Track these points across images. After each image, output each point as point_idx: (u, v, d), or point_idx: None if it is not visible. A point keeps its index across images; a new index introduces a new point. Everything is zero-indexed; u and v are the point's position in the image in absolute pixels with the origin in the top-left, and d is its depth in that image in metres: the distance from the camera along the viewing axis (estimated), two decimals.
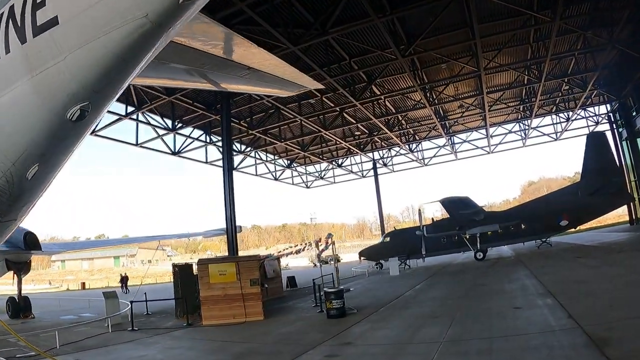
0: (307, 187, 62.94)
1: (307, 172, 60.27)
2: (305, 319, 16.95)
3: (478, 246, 35.90)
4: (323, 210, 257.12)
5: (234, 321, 17.48)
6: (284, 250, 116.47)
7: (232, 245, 27.01)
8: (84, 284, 79.69)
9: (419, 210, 40.04)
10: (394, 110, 38.93)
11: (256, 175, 52.50)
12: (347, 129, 43.35)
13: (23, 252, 25.00)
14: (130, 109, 32.55)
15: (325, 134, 41.39)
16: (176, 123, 36.48)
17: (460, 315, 13.31)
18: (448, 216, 38.53)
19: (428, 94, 34.93)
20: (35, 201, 7.34)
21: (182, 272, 20.39)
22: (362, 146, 48.90)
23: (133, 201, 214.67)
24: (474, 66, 29.89)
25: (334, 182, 62.66)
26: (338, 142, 45.64)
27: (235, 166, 46.68)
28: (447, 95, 37.19)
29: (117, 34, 4.80)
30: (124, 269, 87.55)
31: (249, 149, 46.04)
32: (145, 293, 23.13)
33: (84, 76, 5.23)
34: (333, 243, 20.69)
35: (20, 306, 25.91)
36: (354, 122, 40.20)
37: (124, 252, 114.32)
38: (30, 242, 24.91)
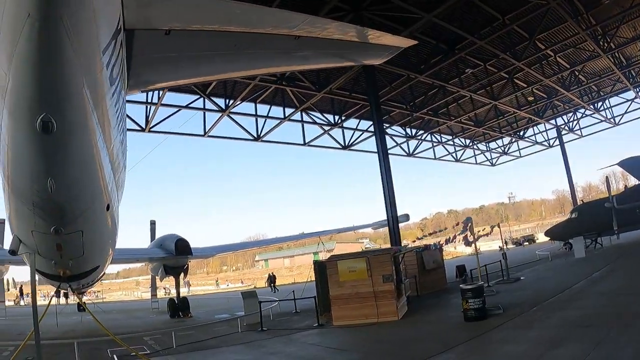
0: (493, 164, 58.38)
1: (490, 149, 55.70)
2: (441, 322, 14.51)
3: None
4: (520, 188, 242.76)
5: (366, 321, 15.81)
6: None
7: (394, 235, 25.21)
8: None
9: (606, 178, 33.78)
10: (567, 66, 33.57)
11: (435, 159, 49.98)
12: (520, 96, 39.00)
13: (175, 257, 26.37)
14: (288, 110, 32.62)
15: (498, 104, 37.53)
16: (342, 117, 36.02)
17: (621, 325, 9.92)
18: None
19: (601, 40, 29.41)
20: None
21: (320, 269, 18.87)
22: (541, 113, 43.49)
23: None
24: None
25: (520, 156, 57.27)
26: (515, 112, 41.31)
27: (412, 152, 45.99)
28: (623, 38, 30.97)
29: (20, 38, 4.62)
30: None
31: (420, 132, 43.79)
32: (293, 291, 23.05)
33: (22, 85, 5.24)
34: (471, 228, 17.60)
35: (178, 306, 27.33)
36: (526, 86, 35.61)
37: (324, 248, 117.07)
38: (181, 248, 26.27)
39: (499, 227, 23.78)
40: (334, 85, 29.61)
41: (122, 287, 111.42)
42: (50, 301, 16.05)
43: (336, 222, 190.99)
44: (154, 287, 33.76)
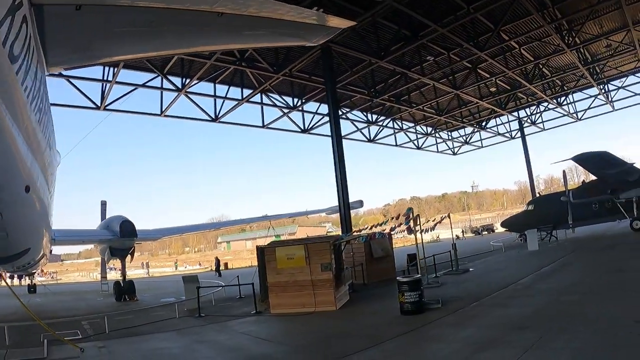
0: (454, 153, 58.04)
1: (452, 138, 55.41)
2: (378, 314, 13.81)
3: (635, 213, 29.46)
4: (484, 178, 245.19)
5: (304, 310, 15.30)
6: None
7: (345, 221, 24.58)
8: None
9: (563, 172, 33.50)
10: (532, 59, 33.17)
11: (396, 145, 49.55)
12: (483, 87, 38.80)
13: (120, 239, 25.94)
14: (248, 92, 31.82)
15: (460, 94, 37.11)
16: (302, 100, 35.52)
17: (559, 326, 9.29)
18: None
19: (566, 35, 29.00)
20: None
21: (262, 254, 18.02)
22: (503, 105, 43.17)
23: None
24: None
25: (482, 147, 57.11)
26: (477, 103, 40.90)
27: (373, 137, 45.50)
28: (589, 34, 30.72)
29: None
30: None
31: (382, 118, 43.25)
32: (237, 276, 22.66)
33: None
34: (413, 218, 16.94)
35: (123, 289, 26.76)
36: (489, 76, 35.14)
37: (286, 231, 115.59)
38: (126, 230, 25.95)
39: (448, 217, 23.19)
40: (293, 68, 28.95)
41: (80, 268, 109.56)
42: None
43: (296, 206, 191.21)
44: (103, 269, 33.00)
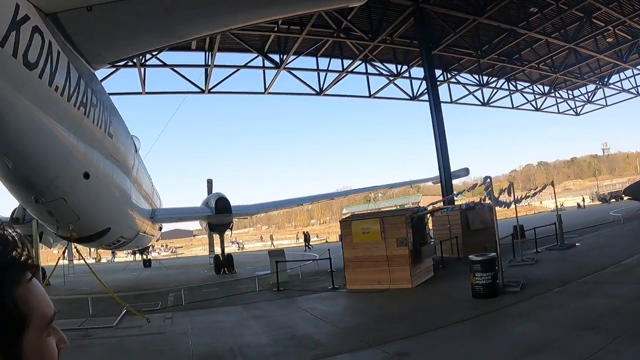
0: (577, 113, 53.79)
1: (573, 97, 51.25)
2: (450, 296, 12.80)
3: None
4: (616, 139, 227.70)
5: (379, 287, 14.65)
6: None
7: (446, 190, 23.60)
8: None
9: None
10: None
11: (512, 108, 47.04)
12: (601, 39, 34.98)
13: (216, 215, 26.67)
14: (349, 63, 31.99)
15: (576, 48, 33.86)
16: (407, 67, 34.72)
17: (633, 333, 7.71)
18: None
19: None
20: None
21: (344, 228, 17.48)
22: (625, 57, 38.87)
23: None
24: None
25: (606, 105, 52.16)
26: (596, 56, 37.12)
27: (487, 101, 43.47)
28: None
29: None
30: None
31: (493, 80, 41.10)
32: (329, 249, 21.59)
33: None
34: (507, 189, 15.55)
35: (222, 262, 27.93)
36: (604, 25, 31.68)
37: (409, 200, 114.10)
38: (221, 206, 26.61)
39: (552, 185, 21.12)
40: (393, 33, 28.20)
41: (204, 242, 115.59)
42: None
43: (408, 174, 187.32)
44: (211, 244, 33.96)
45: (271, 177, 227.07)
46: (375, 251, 15.07)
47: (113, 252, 57.82)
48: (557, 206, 23.93)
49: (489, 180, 13.87)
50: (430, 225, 21.51)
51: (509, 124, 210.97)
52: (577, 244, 20.30)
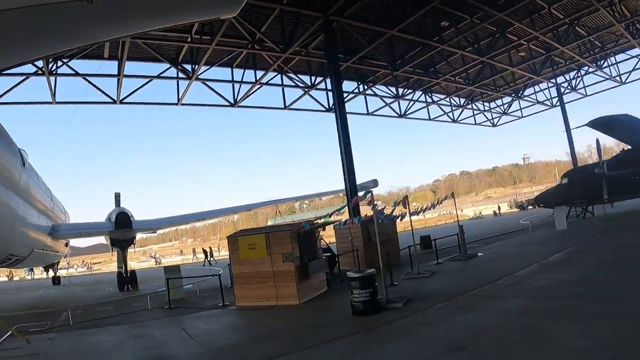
0: (494, 125, 54.84)
1: (490, 109, 52.39)
2: (336, 312, 11.96)
3: None
4: (535, 149, 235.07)
5: (267, 303, 14.12)
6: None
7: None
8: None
9: (597, 140, 29.99)
10: (561, 16, 30.19)
11: (429, 119, 47.27)
12: (515, 53, 35.98)
13: (117, 231, 26.08)
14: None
15: (490, 61, 34.42)
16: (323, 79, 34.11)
17: (505, 351, 7.21)
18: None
19: None
20: None
21: (231, 244, 16.51)
22: (538, 71, 39.94)
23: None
24: None
25: (522, 117, 53.78)
26: (510, 70, 37.92)
27: (403, 112, 43.38)
28: None
29: None
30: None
31: (409, 92, 41.04)
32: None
33: None
34: (402, 201, 15.16)
35: (125, 279, 27.24)
36: (516, 39, 32.35)
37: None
38: (121, 221, 25.97)
39: (453, 197, 20.94)
40: (307, 45, 27.74)
41: (131, 257, 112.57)
42: None
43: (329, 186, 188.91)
44: (119, 260, 32.44)
45: (195, 190, 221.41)
46: (262, 267, 14.43)
47: (30, 270, 56.07)
48: (457, 217, 23.89)
49: (370, 193, 13.22)
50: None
51: (431, 135, 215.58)
52: (479, 254, 20.31)
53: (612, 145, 51.83)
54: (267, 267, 14.25)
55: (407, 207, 15.73)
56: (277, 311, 13.33)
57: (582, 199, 30.87)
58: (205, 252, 51.68)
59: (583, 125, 27.75)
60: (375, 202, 13.22)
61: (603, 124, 24.89)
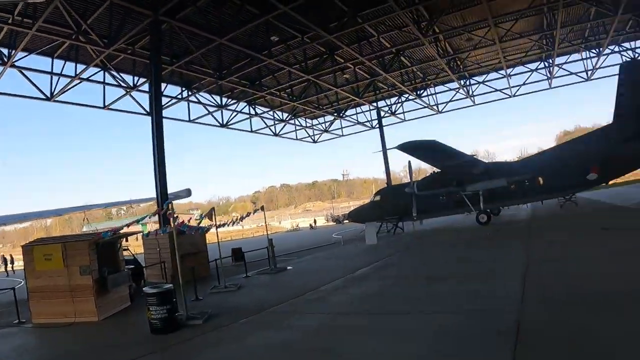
0: (314, 141, 57.15)
1: (312, 125, 54.73)
2: (135, 330, 11.52)
3: (481, 206, 29.33)
4: (356, 166, 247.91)
5: (64, 321, 13.10)
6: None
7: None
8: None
9: (409, 163, 32.65)
10: (388, 45, 32.45)
11: (251, 131, 47.60)
12: (343, 75, 38.07)
13: None
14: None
15: (313, 79, 35.96)
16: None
17: None
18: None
19: (425, 27, 28.61)
20: None
21: (26, 254, 15.13)
22: (361, 94, 42.38)
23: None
24: None
25: (342, 135, 56.59)
26: (335, 90, 39.88)
27: (225, 122, 43.14)
28: (447, 26, 30.59)
29: None
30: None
31: (233, 102, 41.52)
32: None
33: None
34: (207, 214, 15.16)
35: None
36: (343, 61, 34.10)
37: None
38: None
39: (263, 210, 21.35)
40: (134, 43, 26.89)
41: None
42: None
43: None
44: None
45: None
46: (59, 280, 13.41)
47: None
48: (267, 230, 24.34)
49: (169, 203, 12.94)
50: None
51: (255, 147, 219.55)
52: (288, 268, 20.72)
53: (427, 167, 56.20)
54: (64, 280, 13.28)
55: (214, 219, 15.72)
56: (75, 329, 12.45)
57: (393, 215, 33.09)
58: (5, 259, 46.97)
59: (393, 148, 29.81)
60: (175, 214, 12.78)
61: (411, 148, 26.80)
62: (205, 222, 17.10)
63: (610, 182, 33.65)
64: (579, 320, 7.46)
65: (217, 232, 17.17)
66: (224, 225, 18.75)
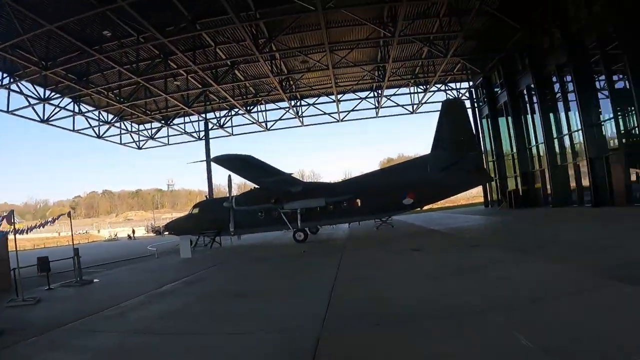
0: (139, 147, 55.16)
1: (138, 131, 53.05)
2: None
3: (299, 224, 30.00)
4: (181, 176, 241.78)
5: None
6: None
7: None
8: None
9: (229, 177, 32.72)
10: (224, 57, 32.57)
11: (73, 130, 44.50)
12: (171, 81, 37.64)
13: None
14: None
15: (143, 82, 35.14)
16: None
17: None
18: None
19: (263, 44, 29.26)
20: None
21: None
22: (190, 103, 41.86)
23: None
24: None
25: (168, 144, 55.48)
26: (165, 96, 39.13)
27: (47, 118, 39.83)
28: (285, 46, 31.52)
29: None
30: None
31: (56, 96, 38.81)
32: None
33: None
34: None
35: None
36: (176, 67, 33.61)
37: None
38: None
39: (69, 216, 20.33)
40: None
41: None
42: None
43: None
44: None
45: None
46: None
47: None
48: (73, 239, 23.08)
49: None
50: None
51: (78, 147, 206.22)
52: (95, 280, 19.53)
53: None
54: None
55: (13, 223, 14.47)
56: None
57: (211, 229, 32.87)
58: None
59: (211, 160, 29.81)
60: None
61: (226, 161, 26.65)
62: (4, 227, 15.67)
63: (425, 207, 36.58)
64: (372, 341, 7.78)
65: (15, 238, 15.74)
66: (23, 231, 17.28)
